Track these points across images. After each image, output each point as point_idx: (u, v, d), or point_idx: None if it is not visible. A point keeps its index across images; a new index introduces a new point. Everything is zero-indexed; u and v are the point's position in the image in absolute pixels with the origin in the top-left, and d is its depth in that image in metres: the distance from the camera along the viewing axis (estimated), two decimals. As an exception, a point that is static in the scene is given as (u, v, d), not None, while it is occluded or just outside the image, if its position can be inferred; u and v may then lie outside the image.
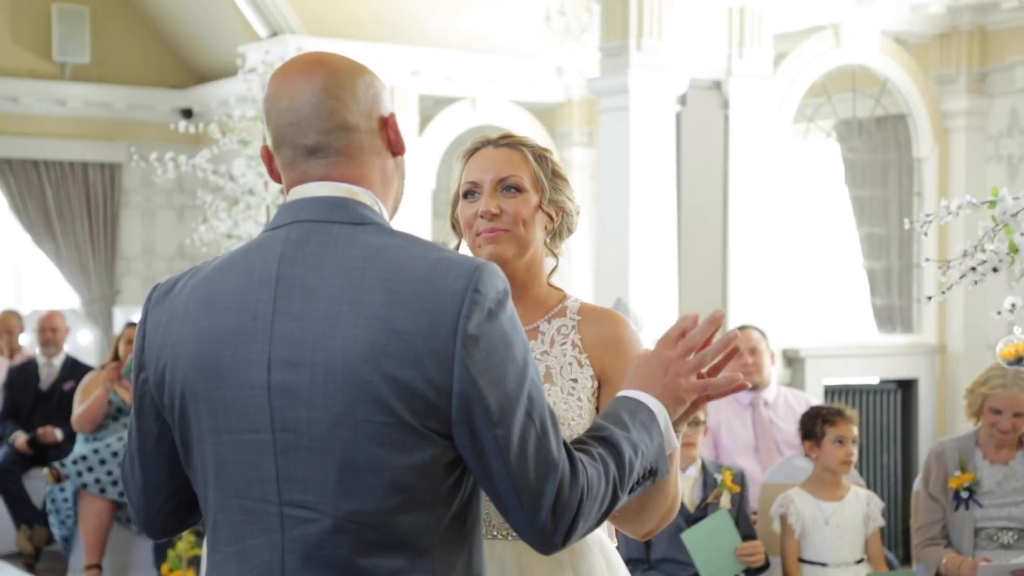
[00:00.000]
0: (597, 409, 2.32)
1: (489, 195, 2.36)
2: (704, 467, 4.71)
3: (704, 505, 4.63)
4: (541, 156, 2.42)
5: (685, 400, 2.01)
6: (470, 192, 2.40)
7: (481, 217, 2.36)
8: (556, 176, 2.43)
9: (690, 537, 4.45)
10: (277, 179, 1.96)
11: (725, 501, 4.63)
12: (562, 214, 2.43)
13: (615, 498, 1.89)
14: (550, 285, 2.45)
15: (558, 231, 2.44)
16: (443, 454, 1.80)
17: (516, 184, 2.37)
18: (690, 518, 4.61)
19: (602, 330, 2.37)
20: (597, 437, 1.91)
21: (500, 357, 1.78)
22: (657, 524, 2.28)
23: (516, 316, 1.83)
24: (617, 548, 2.46)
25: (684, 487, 4.65)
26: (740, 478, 4.75)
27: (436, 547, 1.81)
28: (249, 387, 1.82)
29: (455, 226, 2.46)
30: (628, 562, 4.58)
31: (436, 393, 1.76)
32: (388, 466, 1.77)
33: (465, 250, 2.43)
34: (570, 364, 2.34)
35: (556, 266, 2.47)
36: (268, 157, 1.97)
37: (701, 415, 4.70)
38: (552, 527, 1.82)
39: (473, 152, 2.44)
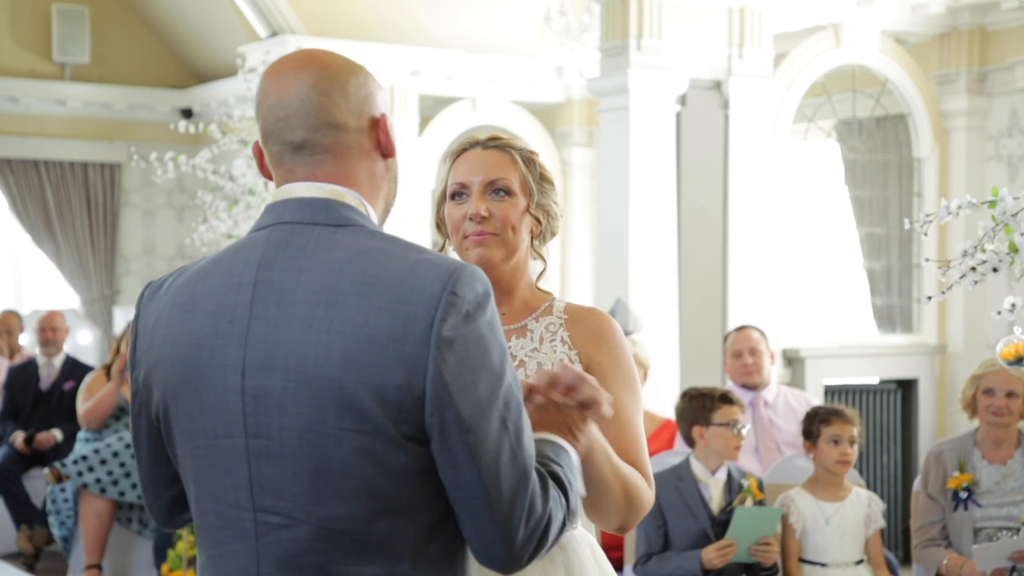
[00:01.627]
0: None
1: (478, 198, 2.35)
2: (730, 472, 4.71)
3: (729, 508, 4.63)
4: (529, 159, 2.41)
5: (578, 437, 1.98)
6: (458, 193, 2.39)
7: (470, 219, 2.34)
8: (543, 179, 2.42)
9: (740, 512, 4.48)
10: (267, 175, 1.94)
11: (749, 506, 4.63)
12: (547, 216, 2.43)
13: (563, 527, 1.85)
14: (537, 288, 2.45)
15: (542, 234, 2.44)
16: (420, 461, 1.76)
17: (505, 187, 2.36)
18: (715, 520, 4.60)
19: (588, 326, 2.36)
20: (548, 471, 1.88)
21: (475, 361, 1.74)
22: (624, 519, 2.22)
23: (496, 321, 1.79)
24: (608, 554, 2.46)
25: (713, 491, 4.65)
26: (762, 485, 4.75)
27: (414, 556, 1.78)
28: (224, 391, 1.80)
29: (440, 226, 2.45)
30: (646, 555, 4.61)
31: (410, 398, 1.73)
32: (361, 473, 1.74)
33: (451, 251, 2.42)
34: (561, 360, 2.32)
35: (544, 270, 2.46)
36: (259, 153, 1.95)
37: (740, 415, 4.67)
38: (524, 541, 1.77)
39: (461, 152, 2.42)
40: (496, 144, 2.41)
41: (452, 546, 1.83)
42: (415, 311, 1.73)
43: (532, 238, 2.42)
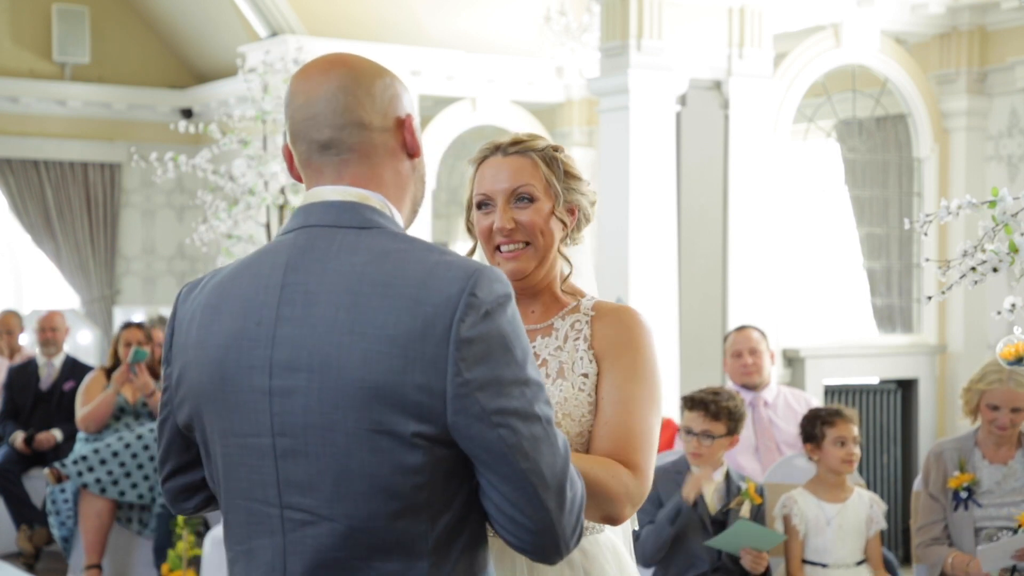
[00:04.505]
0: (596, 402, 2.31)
1: (503, 210, 2.37)
2: (728, 475, 4.69)
3: (725, 510, 4.62)
4: (552, 159, 2.41)
5: None
6: (483, 203, 2.40)
7: (497, 231, 2.37)
8: (568, 176, 2.42)
9: (742, 525, 4.48)
10: (298, 177, 1.98)
11: (745, 511, 4.60)
12: (577, 211, 2.44)
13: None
14: (564, 291, 2.45)
15: (576, 227, 2.46)
16: (439, 461, 1.78)
17: (528, 194, 2.37)
18: (712, 520, 4.60)
19: (611, 322, 2.36)
20: None
21: (497, 357, 1.77)
22: (598, 508, 2.14)
23: (518, 319, 1.81)
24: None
25: (706, 489, 4.64)
26: (761, 490, 4.72)
27: (433, 553, 1.81)
28: (251, 392, 1.85)
29: (470, 230, 2.46)
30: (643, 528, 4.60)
31: (430, 399, 1.76)
32: (381, 472, 1.77)
33: (480, 254, 2.44)
34: (581, 359, 2.33)
35: (571, 271, 2.47)
36: (288, 155, 1.99)
37: (717, 432, 4.64)
38: (573, 526, 1.82)
39: (483, 160, 2.43)
40: (517, 149, 2.41)
41: (472, 546, 1.86)
42: (434, 312, 1.76)
43: (564, 235, 2.43)
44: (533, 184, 2.37)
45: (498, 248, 2.38)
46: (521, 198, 2.37)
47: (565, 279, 2.46)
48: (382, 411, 1.76)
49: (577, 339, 2.36)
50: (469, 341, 1.75)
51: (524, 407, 1.77)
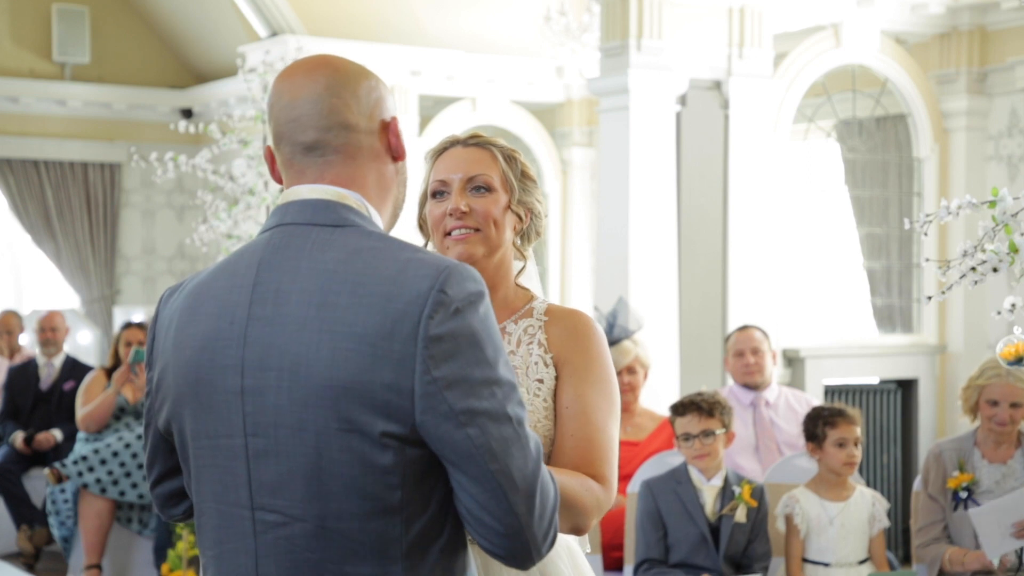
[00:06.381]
0: (555, 407, 2.29)
1: (458, 194, 2.35)
2: (727, 478, 4.68)
3: (720, 516, 4.61)
4: (510, 157, 2.42)
5: None
6: (439, 191, 2.39)
7: (450, 215, 2.35)
8: (525, 177, 2.42)
9: None
10: (279, 179, 1.96)
11: (740, 515, 4.59)
12: (530, 215, 2.43)
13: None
14: (517, 286, 2.44)
15: (526, 233, 2.44)
16: (411, 462, 1.76)
17: (486, 183, 2.37)
18: (710, 527, 4.59)
19: (566, 327, 2.34)
20: None
21: (466, 357, 1.74)
22: (564, 520, 2.12)
23: (491, 317, 1.79)
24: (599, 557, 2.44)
25: (707, 497, 4.64)
26: (759, 492, 4.70)
27: (407, 556, 1.79)
28: (224, 392, 1.83)
29: (422, 227, 2.45)
30: (646, 561, 4.60)
31: (398, 397, 1.73)
32: (351, 472, 1.75)
33: (431, 249, 2.40)
34: (536, 364, 2.31)
35: (524, 267, 2.46)
36: (270, 157, 1.97)
37: (717, 428, 4.64)
38: (545, 531, 1.79)
39: (442, 151, 2.43)
40: (476, 142, 2.42)
41: (449, 551, 1.83)
42: (403, 309, 1.74)
43: (515, 236, 2.42)
44: (491, 175, 2.37)
45: (448, 233, 2.35)
46: (478, 187, 2.36)
47: (518, 275, 2.45)
48: (350, 410, 1.74)
49: (531, 344, 2.33)
50: (438, 338, 1.73)
51: (494, 407, 1.75)
